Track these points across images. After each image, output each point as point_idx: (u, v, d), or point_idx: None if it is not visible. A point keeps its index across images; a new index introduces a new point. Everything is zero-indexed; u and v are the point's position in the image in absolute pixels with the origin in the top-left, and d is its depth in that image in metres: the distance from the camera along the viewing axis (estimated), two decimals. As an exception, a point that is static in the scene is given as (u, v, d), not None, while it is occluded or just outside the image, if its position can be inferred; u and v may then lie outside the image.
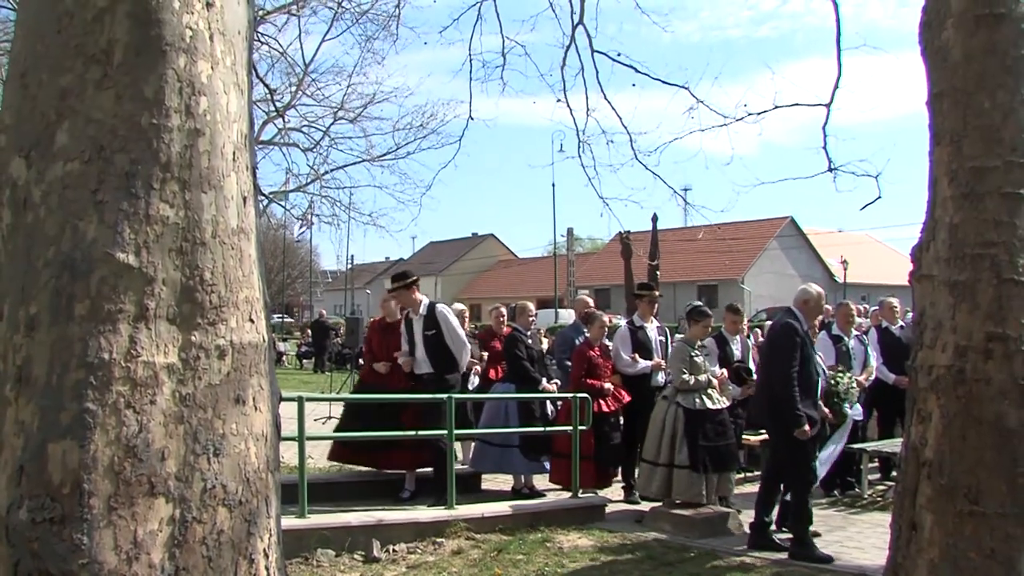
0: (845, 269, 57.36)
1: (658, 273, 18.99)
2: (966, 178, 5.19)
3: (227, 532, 3.40)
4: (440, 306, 10.17)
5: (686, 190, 49.51)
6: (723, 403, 9.68)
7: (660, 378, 11.02)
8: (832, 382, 9.59)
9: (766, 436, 10.36)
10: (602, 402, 10.51)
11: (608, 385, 10.60)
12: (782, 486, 8.83)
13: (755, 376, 10.40)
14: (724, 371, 10.20)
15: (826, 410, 9.05)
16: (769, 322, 13.92)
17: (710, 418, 9.43)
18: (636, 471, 10.78)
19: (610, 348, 11.02)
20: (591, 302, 12.76)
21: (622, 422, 10.98)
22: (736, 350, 10.85)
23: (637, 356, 10.76)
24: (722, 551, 8.55)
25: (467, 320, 12.76)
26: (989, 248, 5.08)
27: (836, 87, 9.45)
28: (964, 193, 5.18)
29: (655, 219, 20.65)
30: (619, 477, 11.07)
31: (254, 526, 3.51)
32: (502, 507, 9.55)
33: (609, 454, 10.66)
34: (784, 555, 8.30)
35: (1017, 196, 5.12)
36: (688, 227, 50.12)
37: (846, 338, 10.86)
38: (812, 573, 7.87)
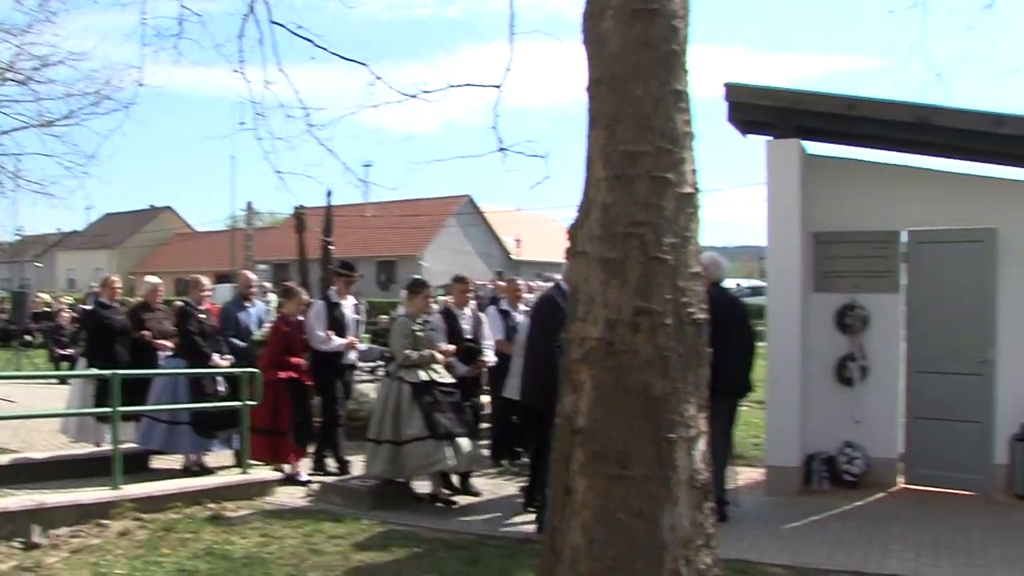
0: (519, 246, 59.27)
1: (331, 249, 18.82)
2: (619, 161, 5.47)
3: None
4: None
5: (367, 166, 49.40)
6: (449, 379, 9.62)
7: (352, 356, 11.02)
8: None
9: None
10: (295, 378, 10.41)
11: (304, 361, 10.49)
12: None
13: (486, 354, 10.41)
14: (452, 347, 10.09)
15: None
16: (443, 298, 14.09)
17: (439, 388, 9.35)
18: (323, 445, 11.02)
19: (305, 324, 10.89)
20: (253, 277, 12.53)
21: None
22: (466, 324, 10.68)
23: (332, 333, 10.70)
24: (393, 521, 8.69)
25: (160, 295, 12.20)
26: (638, 227, 5.37)
27: (508, 70, 9.72)
28: (617, 175, 5.46)
29: (329, 194, 20.52)
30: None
31: None
32: (170, 485, 9.35)
33: (303, 430, 10.57)
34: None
35: (664, 180, 5.45)
36: (368, 203, 50.21)
37: (513, 312, 11.20)
38: (477, 540, 8.13)
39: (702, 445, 5.63)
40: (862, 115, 9.88)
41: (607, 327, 5.37)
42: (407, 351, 9.40)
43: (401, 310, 12.41)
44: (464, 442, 9.28)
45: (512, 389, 9.26)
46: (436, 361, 9.56)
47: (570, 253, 5.68)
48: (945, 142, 10.05)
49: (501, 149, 9.55)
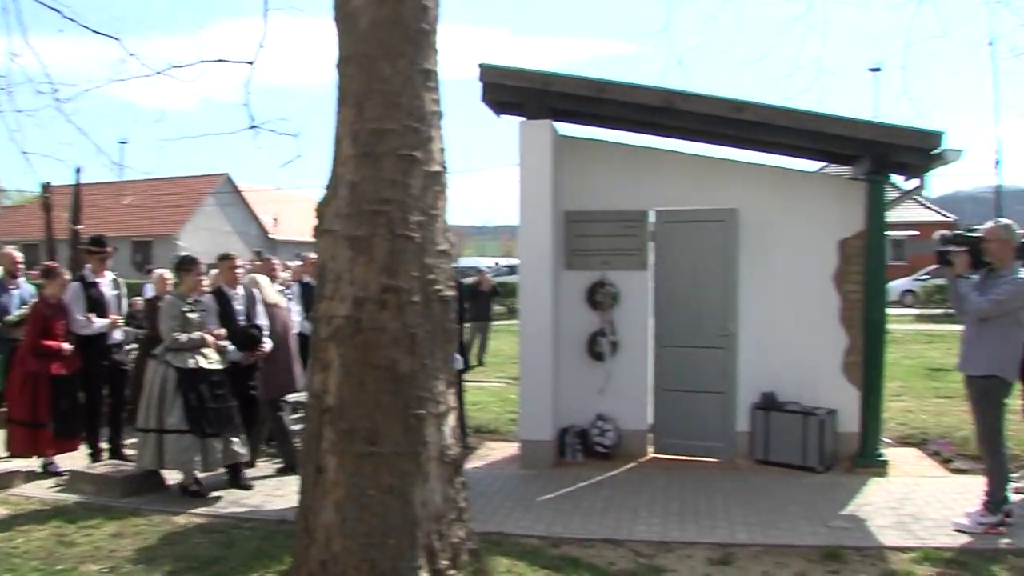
0: (276, 225, 58.58)
1: (80, 229, 18.04)
2: (367, 139, 5.48)
3: None
4: None
5: (123, 143, 47.41)
6: (219, 364, 9.22)
7: (118, 335, 10.52)
8: None
9: None
10: (57, 364, 9.85)
11: (67, 345, 9.92)
12: None
13: (266, 339, 9.96)
14: (223, 331, 9.36)
15: None
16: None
17: (205, 378, 8.87)
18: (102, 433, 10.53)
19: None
20: (20, 256, 11.83)
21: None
22: (239, 305, 9.90)
23: (93, 315, 10.17)
24: (146, 509, 8.43)
25: None
26: (385, 205, 5.40)
27: (260, 46, 9.55)
28: (365, 153, 5.47)
29: (79, 172, 19.62)
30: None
31: None
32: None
33: (67, 419, 10.00)
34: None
35: (411, 158, 5.50)
36: (123, 181, 48.28)
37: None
38: (233, 523, 8.00)
39: (452, 421, 5.72)
40: (612, 98, 10.17)
41: (354, 305, 5.38)
42: (175, 334, 8.97)
43: (148, 290, 11.92)
44: (220, 442, 8.94)
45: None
46: (206, 345, 9.15)
47: (318, 231, 5.65)
48: (691, 126, 10.47)
49: (252, 127, 9.39)
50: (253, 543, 7.37)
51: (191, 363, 8.87)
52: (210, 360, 9.02)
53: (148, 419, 8.81)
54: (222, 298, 9.69)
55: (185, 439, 8.68)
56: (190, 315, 9.00)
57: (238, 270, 10.03)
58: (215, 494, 8.97)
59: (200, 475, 9.07)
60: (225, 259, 10.06)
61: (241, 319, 9.76)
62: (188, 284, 9.21)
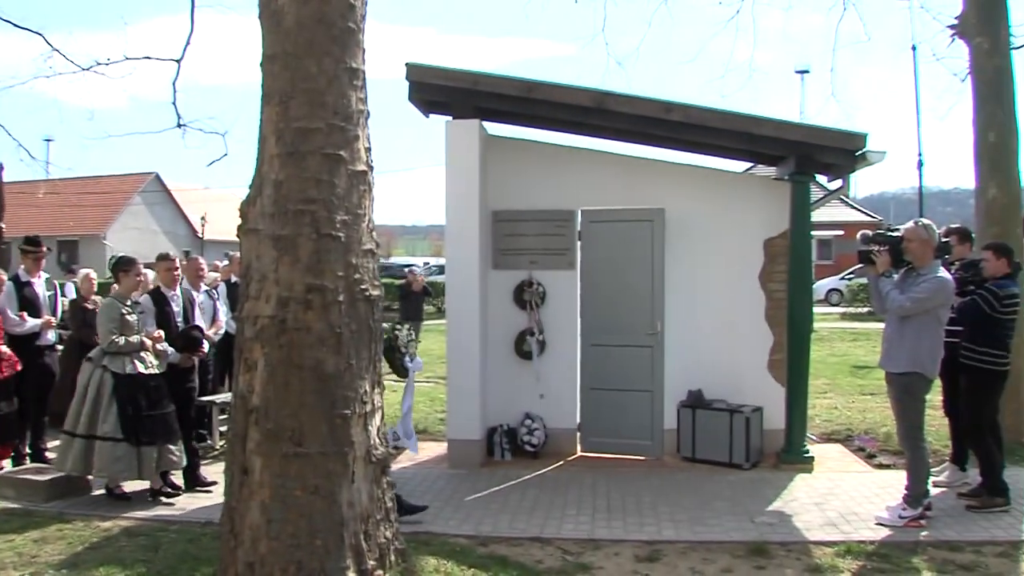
0: (204, 225, 58.02)
1: (0, 228, 17.63)
2: (291, 137, 5.45)
3: None
4: None
5: (48, 141, 46.46)
6: (157, 368, 8.99)
7: (51, 336, 10.33)
8: (390, 335, 9.35)
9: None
10: None
11: (5, 348, 9.67)
12: None
13: (204, 344, 9.64)
14: (161, 332, 9.03)
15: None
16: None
17: (142, 384, 8.61)
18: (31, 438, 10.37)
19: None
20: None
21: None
22: (176, 307, 9.52)
23: (26, 315, 9.98)
24: (70, 514, 8.31)
25: None
26: (310, 205, 5.37)
27: (188, 43, 9.47)
28: (289, 152, 5.43)
29: (0, 169, 19.14)
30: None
31: None
32: None
33: (3, 424, 9.74)
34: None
35: (337, 157, 5.47)
36: (48, 180, 47.38)
37: (195, 292, 10.82)
38: (159, 526, 7.91)
39: (378, 420, 5.71)
40: (542, 98, 10.18)
41: (279, 305, 5.35)
42: (114, 336, 8.74)
43: (70, 290, 11.71)
44: (155, 450, 8.70)
45: None
46: (145, 348, 8.92)
47: (242, 230, 5.61)
48: (621, 126, 10.52)
49: (180, 125, 9.31)
50: (180, 546, 7.30)
51: (128, 368, 8.64)
52: (148, 365, 8.81)
53: (77, 424, 8.58)
54: (160, 299, 9.43)
55: (119, 447, 8.46)
56: (128, 317, 8.78)
57: (175, 272, 9.73)
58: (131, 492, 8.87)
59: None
60: (163, 259, 9.75)
61: (179, 320, 9.57)
62: (126, 285, 8.98)
